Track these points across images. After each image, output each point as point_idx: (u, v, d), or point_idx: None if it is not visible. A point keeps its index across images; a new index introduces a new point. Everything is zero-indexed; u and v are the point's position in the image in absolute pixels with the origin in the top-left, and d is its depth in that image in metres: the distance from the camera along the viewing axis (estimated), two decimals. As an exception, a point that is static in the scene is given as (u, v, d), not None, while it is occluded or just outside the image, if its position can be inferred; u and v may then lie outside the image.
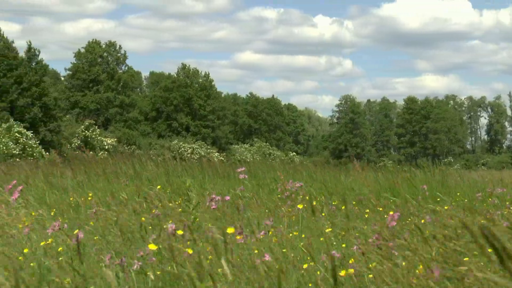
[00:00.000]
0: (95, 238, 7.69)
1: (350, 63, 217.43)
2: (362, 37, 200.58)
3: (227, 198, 7.84)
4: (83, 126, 67.50)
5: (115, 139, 70.43)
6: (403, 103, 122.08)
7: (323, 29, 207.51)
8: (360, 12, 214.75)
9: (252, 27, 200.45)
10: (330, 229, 7.69)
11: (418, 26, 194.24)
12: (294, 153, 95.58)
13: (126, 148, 68.82)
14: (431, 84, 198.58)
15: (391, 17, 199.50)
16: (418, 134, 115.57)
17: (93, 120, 71.69)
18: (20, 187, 7.29)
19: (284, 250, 6.53)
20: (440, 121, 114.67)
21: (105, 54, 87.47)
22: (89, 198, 10.87)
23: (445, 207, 10.47)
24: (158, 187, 11.07)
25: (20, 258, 6.80)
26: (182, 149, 71.99)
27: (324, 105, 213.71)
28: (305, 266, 5.87)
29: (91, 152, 42.81)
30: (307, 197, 10.73)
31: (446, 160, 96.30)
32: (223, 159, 54.14)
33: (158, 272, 5.79)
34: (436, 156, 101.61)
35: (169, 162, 17.54)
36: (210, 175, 16.00)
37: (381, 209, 10.93)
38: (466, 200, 12.79)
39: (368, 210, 10.64)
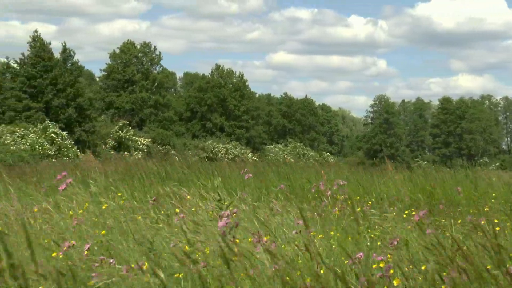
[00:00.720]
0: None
1: (384, 63, 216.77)
2: (396, 37, 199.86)
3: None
4: (117, 127, 67.83)
5: (150, 139, 70.70)
6: (438, 103, 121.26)
7: (357, 29, 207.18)
8: (394, 12, 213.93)
9: (286, 27, 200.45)
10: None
11: (453, 26, 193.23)
12: (328, 153, 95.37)
13: (160, 148, 69.07)
14: (466, 84, 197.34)
15: (425, 17, 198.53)
16: (453, 135, 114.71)
17: (127, 121, 72.02)
18: (70, 180, 7.26)
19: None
20: (475, 121, 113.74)
21: (140, 54, 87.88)
22: (122, 202, 10.90)
23: (486, 209, 10.38)
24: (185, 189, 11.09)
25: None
26: (216, 149, 72.10)
27: (358, 105, 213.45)
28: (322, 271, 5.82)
29: (125, 153, 43.05)
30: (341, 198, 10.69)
31: (481, 160, 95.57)
32: (257, 159, 54.20)
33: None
34: (471, 157, 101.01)
35: (201, 163, 17.57)
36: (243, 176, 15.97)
37: (413, 211, 10.86)
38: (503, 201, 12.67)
39: (407, 212, 10.57)
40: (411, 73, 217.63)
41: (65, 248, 6.19)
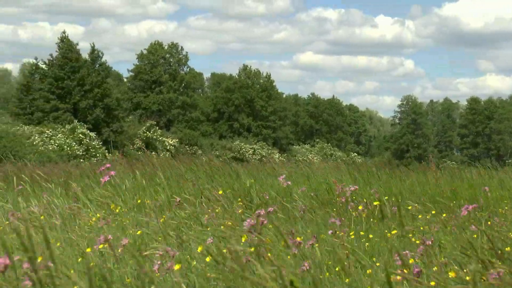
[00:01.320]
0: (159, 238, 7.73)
1: (411, 63, 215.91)
2: (423, 37, 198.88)
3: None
4: (144, 127, 68.06)
5: (177, 140, 70.85)
6: (466, 103, 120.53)
7: (385, 29, 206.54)
8: (422, 12, 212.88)
9: (313, 28, 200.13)
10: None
11: (481, 25, 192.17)
12: (355, 153, 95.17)
13: (187, 148, 69.23)
14: (494, 84, 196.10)
15: (453, 17, 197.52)
16: (481, 135, 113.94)
17: (155, 121, 72.21)
18: (112, 172, 7.27)
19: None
20: (504, 122, 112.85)
21: (167, 55, 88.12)
22: (148, 201, 10.96)
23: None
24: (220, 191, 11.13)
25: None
26: (244, 149, 72.19)
27: (385, 105, 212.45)
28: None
29: (153, 153, 43.15)
30: (364, 200, 10.68)
31: (510, 161, 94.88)
32: (284, 159, 54.15)
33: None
34: (500, 157, 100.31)
35: (230, 164, 17.61)
36: (269, 176, 15.99)
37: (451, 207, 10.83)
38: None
39: (434, 212, 10.54)
40: (438, 73, 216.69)
41: (100, 246, 6.21)
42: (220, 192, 10.62)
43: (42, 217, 9.06)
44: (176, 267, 5.49)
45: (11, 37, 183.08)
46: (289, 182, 6.89)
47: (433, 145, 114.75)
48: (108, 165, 6.94)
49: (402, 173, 16.87)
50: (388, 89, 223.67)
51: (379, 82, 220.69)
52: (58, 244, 7.73)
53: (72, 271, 6.30)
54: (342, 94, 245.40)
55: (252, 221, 5.35)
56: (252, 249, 5.46)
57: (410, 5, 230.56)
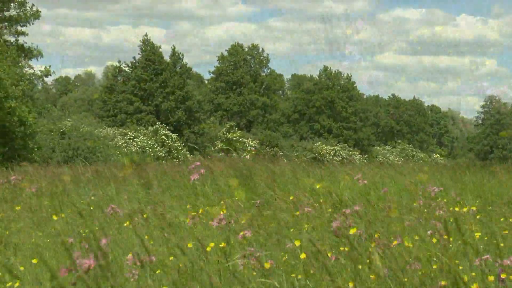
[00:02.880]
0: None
1: (494, 63, 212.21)
2: (506, 36, 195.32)
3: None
4: (224, 129, 68.47)
5: (258, 141, 71.06)
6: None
7: (467, 28, 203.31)
8: (504, 11, 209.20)
9: (394, 28, 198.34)
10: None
11: None
12: (438, 155, 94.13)
13: (268, 150, 69.37)
14: None
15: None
16: None
17: (235, 122, 72.56)
18: (202, 170, 7.29)
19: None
20: None
21: (248, 57, 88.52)
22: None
23: None
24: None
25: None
26: (324, 151, 72.01)
27: (468, 106, 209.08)
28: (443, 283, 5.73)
29: (234, 154, 43.42)
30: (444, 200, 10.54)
31: None
32: (365, 160, 53.85)
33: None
34: None
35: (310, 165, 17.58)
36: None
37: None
38: None
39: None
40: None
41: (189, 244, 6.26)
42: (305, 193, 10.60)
43: (145, 215, 9.21)
44: (266, 265, 5.53)
45: (94, 41, 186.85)
46: (365, 181, 6.85)
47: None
48: (197, 163, 6.94)
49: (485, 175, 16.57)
50: (470, 89, 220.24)
51: (461, 82, 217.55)
52: (151, 242, 7.85)
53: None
54: (424, 94, 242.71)
55: (338, 222, 5.39)
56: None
57: (492, 4, 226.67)
